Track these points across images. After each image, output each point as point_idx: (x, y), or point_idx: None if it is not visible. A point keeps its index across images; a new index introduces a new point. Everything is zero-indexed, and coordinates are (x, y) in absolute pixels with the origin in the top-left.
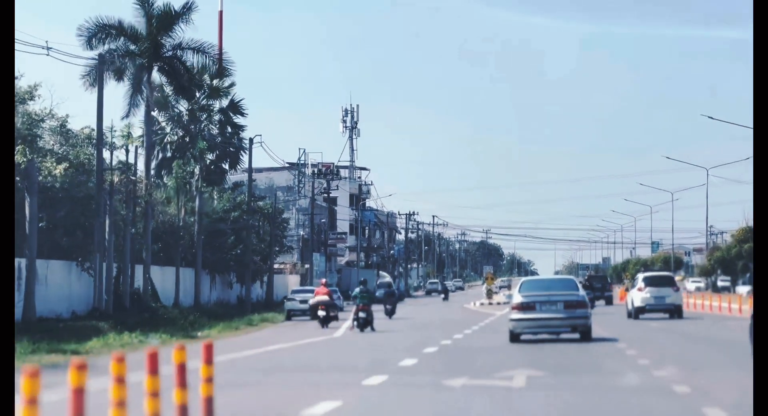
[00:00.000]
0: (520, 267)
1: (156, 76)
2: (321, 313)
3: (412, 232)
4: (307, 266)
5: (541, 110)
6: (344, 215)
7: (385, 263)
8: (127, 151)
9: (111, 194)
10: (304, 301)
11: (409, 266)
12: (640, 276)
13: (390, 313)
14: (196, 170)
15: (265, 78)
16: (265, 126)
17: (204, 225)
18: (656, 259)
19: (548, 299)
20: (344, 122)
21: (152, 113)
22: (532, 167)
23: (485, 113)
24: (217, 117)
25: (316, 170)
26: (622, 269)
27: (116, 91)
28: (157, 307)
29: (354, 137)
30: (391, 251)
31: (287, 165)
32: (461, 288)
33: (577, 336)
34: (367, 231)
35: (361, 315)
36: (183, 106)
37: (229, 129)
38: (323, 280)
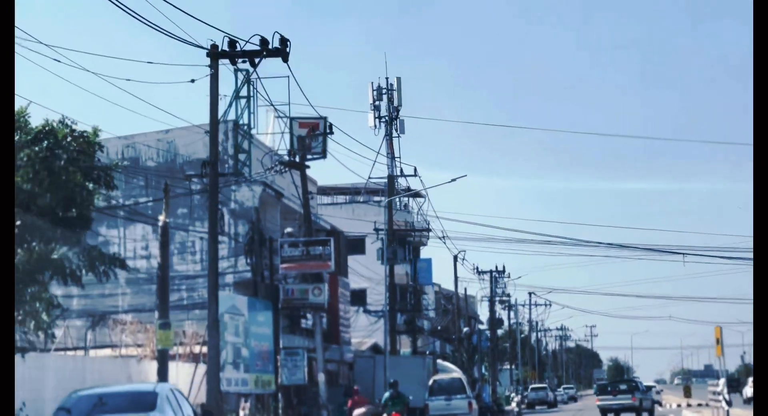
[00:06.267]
0: (627, 373)
1: None
2: None
3: (502, 305)
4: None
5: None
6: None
7: (456, 356)
8: None
9: None
10: None
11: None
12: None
13: None
14: None
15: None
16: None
17: None
18: None
19: None
20: (376, 109)
21: None
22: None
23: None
24: None
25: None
26: None
27: None
28: None
29: (395, 134)
30: (465, 330)
31: None
32: (574, 399)
33: None
34: (420, 296)
35: None
36: None
37: None
38: (356, 387)
